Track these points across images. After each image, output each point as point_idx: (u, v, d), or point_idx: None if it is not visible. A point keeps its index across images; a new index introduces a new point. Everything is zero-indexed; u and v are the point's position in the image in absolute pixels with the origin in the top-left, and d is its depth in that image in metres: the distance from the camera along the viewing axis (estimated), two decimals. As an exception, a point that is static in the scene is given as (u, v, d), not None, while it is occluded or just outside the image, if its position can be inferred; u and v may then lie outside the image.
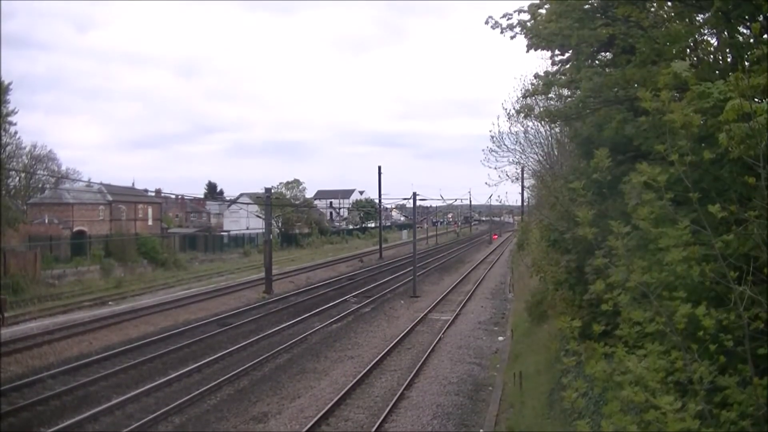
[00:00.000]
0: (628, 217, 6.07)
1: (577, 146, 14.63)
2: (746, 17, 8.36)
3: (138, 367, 21.86)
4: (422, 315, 32.50)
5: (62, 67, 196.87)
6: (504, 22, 11.00)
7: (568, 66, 11.99)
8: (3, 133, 48.97)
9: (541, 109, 15.43)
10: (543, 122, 23.83)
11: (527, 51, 11.13)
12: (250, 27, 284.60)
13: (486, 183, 37.38)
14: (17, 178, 67.89)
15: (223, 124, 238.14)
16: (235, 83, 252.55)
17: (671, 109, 5.85)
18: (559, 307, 15.36)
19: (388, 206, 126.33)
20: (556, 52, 11.77)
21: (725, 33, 8.91)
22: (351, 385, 19.30)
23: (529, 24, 10.91)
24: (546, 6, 10.88)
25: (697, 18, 9.50)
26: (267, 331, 27.86)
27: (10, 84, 46.09)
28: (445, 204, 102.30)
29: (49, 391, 18.61)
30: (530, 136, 31.62)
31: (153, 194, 79.87)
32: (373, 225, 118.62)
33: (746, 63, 7.47)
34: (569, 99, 13.26)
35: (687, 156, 5.67)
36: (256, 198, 77.25)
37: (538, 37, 10.73)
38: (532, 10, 10.96)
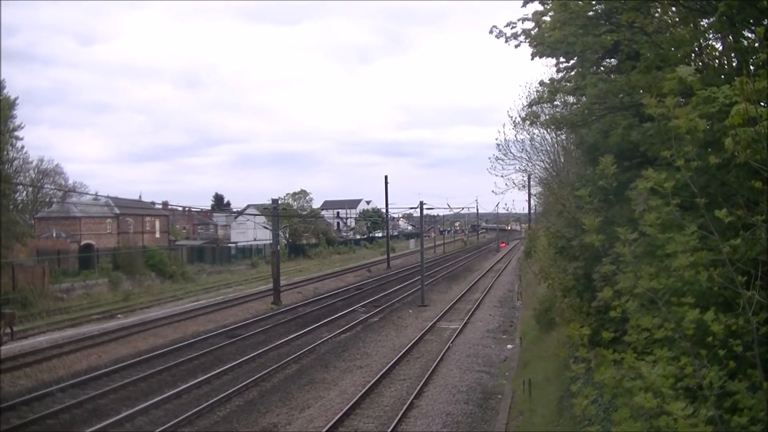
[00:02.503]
0: (635, 223, 6.05)
1: (583, 153, 14.61)
2: (751, 21, 8.34)
3: (147, 379, 21.89)
4: (431, 324, 32.45)
5: (66, 81, 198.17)
6: (508, 31, 11.00)
7: (573, 73, 11.96)
8: (10, 148, 49.02)
9: (547, 117, 15.41)
10: (549, 129, 23.79)
11: (532, 59, 11.12)
12: (253, 38, 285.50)
13: (493, 191, 37.26)
14: (25, 192, 68.23)
15: (228, 136, 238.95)
16: (238, 95, 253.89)
17: (676, 114, 5.83)
18: (567, 314, 15.33)
19: (395, 215, 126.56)
20: (561, 59, 11.75)
21: (730, 37, 8.89)
22: (360, 394, 19.27)
23: (533, 32, 10.90)
24: (550, 14, 10.88)
25: (702, 23, 9.49)
26: (275, 342, 27.87)
27: (16, 99, 46.10)
28: (452, 212, 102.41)
29: (59, 405, 18.64)
30: (536, 143, 31.52)
31: (160, 207, 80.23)
32: (380, 234, 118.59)
33: (751, 67, 7.44)
34: (574, 106, 13.22)
35: (693, 161, 5.66)
36: (263, 209, 77.21)
37: (542, 45, 10.72)
38: (536, 18, 10.96)
